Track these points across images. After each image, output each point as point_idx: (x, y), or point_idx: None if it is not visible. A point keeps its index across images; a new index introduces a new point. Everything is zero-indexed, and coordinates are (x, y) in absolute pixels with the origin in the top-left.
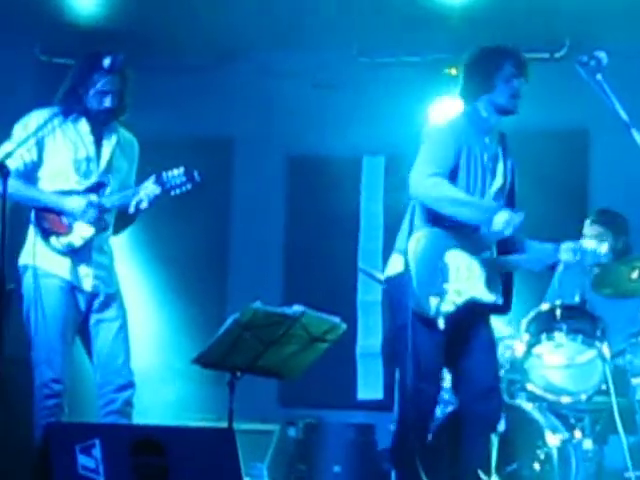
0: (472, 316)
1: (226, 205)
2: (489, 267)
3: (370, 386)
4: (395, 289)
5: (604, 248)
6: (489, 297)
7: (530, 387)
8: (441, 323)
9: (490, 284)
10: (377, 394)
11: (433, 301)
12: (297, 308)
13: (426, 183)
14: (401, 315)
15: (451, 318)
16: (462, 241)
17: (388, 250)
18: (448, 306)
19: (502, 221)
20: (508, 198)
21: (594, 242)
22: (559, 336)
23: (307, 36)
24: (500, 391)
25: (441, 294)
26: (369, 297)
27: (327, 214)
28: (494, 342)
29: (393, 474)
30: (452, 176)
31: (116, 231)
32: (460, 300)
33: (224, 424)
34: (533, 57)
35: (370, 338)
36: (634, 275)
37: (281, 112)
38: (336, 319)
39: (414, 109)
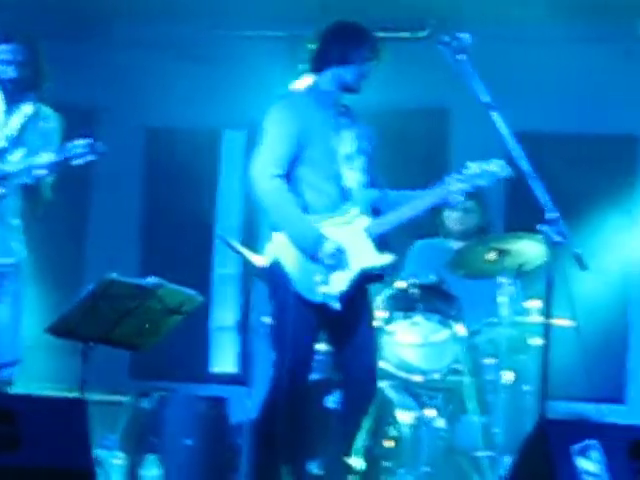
0: (357, 291)
1: (85, 175)
2: (371, 231)
3: (224, 359)
4: (271, 275)
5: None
6: (382, 260)
7: (383, 364)
8: (336, 304)
9: (377, 247)
10: (231, 368)
11: (321, 288)
12: (153, 280)
13: (267, 186)
14: (277, 299)
15: (342, 295)
16: (328, 215)
17: (246, 225)
18: (339, 285)
19: (327, 253)
20: (368, 161)
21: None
22: (414, 315)
23: (172, 8)
24: (377, 372)
25: (326, 277)
26: (225, 270)
27: (186, 187)
28: (373, 319)
29: (245, 448)
30: (300, 157)
31: (32, 211)
32: (353, 274)
33: (76, 394)
34: (397, 36)
35: (225, 311)
36: (490, 256)
37: (143, 84)
38: (192, 291)
39: (277, 84)
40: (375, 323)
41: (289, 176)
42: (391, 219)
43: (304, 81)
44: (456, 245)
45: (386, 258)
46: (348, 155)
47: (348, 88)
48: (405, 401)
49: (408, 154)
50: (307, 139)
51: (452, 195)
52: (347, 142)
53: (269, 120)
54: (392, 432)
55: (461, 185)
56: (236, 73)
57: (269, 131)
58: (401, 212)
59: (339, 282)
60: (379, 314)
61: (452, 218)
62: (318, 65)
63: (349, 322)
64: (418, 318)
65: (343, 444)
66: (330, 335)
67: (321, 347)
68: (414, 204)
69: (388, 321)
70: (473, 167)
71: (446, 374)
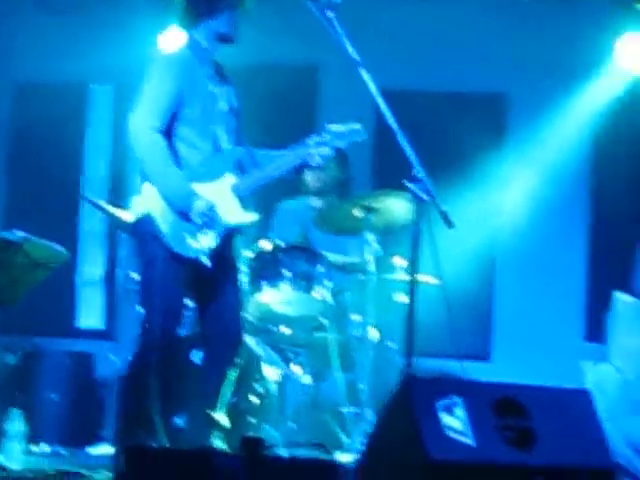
0: (223, 247)
1: None
2: (237, 189)
3: (90, 315)
4: (141, 228)
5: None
6: (248, 218)
7: (249, 317)
8: (206, 261)
9: (243, 205)
10: (97, 323)
11: (193, 243)
12: (19, 233)
13: (145, 139)
14: (146, 253)
15: (212, 251)
16: (202, 172)
17: (113, 181)
18: (210, 241)
19: (199, 210)
20: (236, 120)
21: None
22: (280, 282)
23: None
24: (242, 324)
25: (196, 233)
26: (92, 226)
27: (53, 142)
28: (238, 273)
29: (110, 403)
30: (179, 113)
31: None
32: (221, 231)
33: None
34: None
35: (91, 267)
36: (357, 213)
37: (6, 37)
38: (58, 246)
39: (144, 37)
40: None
41: (166, 131)
42: (256, 178)
43: (176, 36)
44: (318, 203)
45: (251, 216)
46: (223, 114)
47: (225, 39)
48: (271, 357)
49: (277, 110)
50: (188, 97)
51: (312, 157)
52: (222, 101)
53: (154, 73)
54: (258, 388)
55: (320, 148)
56: (104, 27)
57: (152, 84)
58: (265, 171)
59: (209, 239)
60: (244, 277)
61: (309, 176)
62: (190, 21)
63: (216, 278)
64: (284, 287)
65: (209, 398)
66: (196, 290)
67: (187, 303)
68: (277, 164)
69: (254, 288)
70: (332, 129)
71: (312, 330)
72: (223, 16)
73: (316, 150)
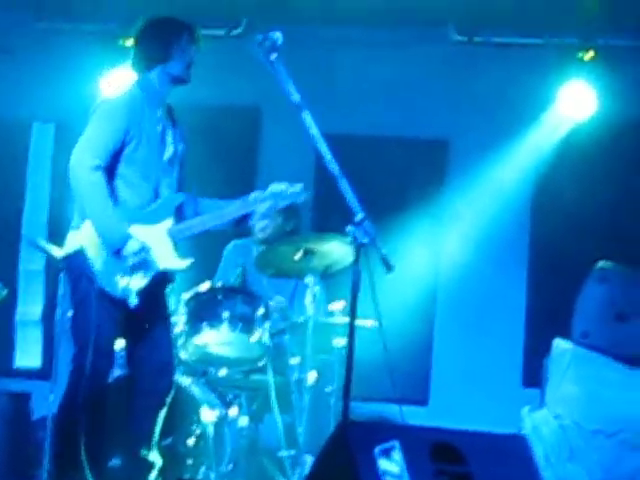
0: (154, 289)
1: None
2: (174, 235)
3: (28, 354)
4: (74, 266)
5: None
6: (180, 264)
7: (184, 355)
8: (134, 300)
9: (177, 251)
10: (35, 362)
11: (121, 282)
12: None
13: (85, 178)
14: (79, 290)
15: (140, 292)
16: (140, 214)
17: (53, 220)
18: (139, 282)
19: (131, 251)
20: (181, 165)
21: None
22: (219, 325)
23: None
24: (173, 366)
25: (128, 272)
26: (32, 265)
27: None
28: (170, 316)
29: (47, 443)
30: (123, 154)
31: None
32: (152, 273)
33: None
34: (210, 34)
35: (31, 306)
36: (297, 256)
37: None
38: None
39: (87, 78)
40: (181, 319)
41: (107, 169)
42: (193, 225)
43: (120, 79)
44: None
45: (184, 262)
46: (168, 159)
47: (178, 81)
48: (209, 399)
49: (218, 151)
50: (133, 138)
51: (253, 214)
52: (169, 146)
53: (100, 111)
54: (195, 430)
55: (262, 204)
56: (46, 65)
57: (98, 122)
58: (204, 220)
59: (139, 279)
60: (183, 311)
61: (255, 226)
62: (143, 65)
63: (146, 317)
64: (223, 328)
65: (142, 439)
66: (127, 330)
67: (122, 343)
68: (217, 214)
69: (192, 329)
70: (274, 188)
71: (250, 372)
72: (175, 60)
73: (256, 206)
